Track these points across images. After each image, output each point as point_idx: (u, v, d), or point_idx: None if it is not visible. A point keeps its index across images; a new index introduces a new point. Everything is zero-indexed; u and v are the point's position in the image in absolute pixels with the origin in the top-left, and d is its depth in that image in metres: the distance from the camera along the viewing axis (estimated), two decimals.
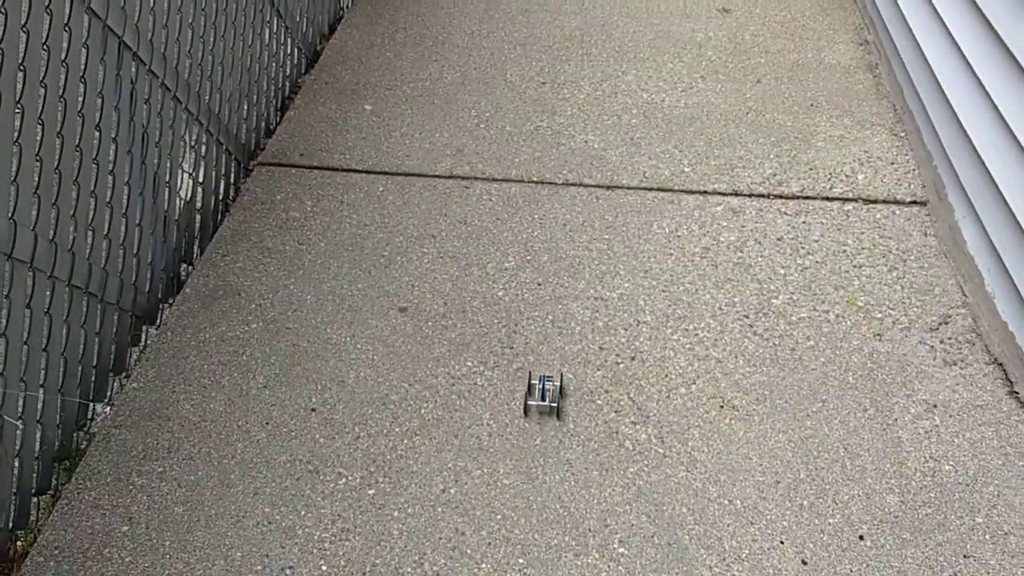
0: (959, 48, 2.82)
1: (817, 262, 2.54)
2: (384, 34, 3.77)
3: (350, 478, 1.97)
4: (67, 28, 1.94)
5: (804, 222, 2.70)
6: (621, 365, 2.20)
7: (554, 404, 2.05)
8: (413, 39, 3.74)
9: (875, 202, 2.78)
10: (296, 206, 2.76)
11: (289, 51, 3.43)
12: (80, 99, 2.01)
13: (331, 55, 3.65)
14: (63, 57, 1.94)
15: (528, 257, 2.57)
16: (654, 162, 2.98)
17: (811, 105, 3.30)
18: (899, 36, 3.50)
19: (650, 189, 2.86)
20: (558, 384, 2.10)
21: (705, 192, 2.84)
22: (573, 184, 2.88)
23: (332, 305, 2.39)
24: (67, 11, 1.93)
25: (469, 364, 2.20)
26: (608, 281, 2.48)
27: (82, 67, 2.01)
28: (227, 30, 2.78)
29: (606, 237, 2.65)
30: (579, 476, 1.96)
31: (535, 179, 2.91)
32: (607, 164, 2.97)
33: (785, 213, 2.74)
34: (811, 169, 2.94)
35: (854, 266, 2.52)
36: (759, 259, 2.55)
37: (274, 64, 3.25)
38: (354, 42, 3.73)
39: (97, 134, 2.09)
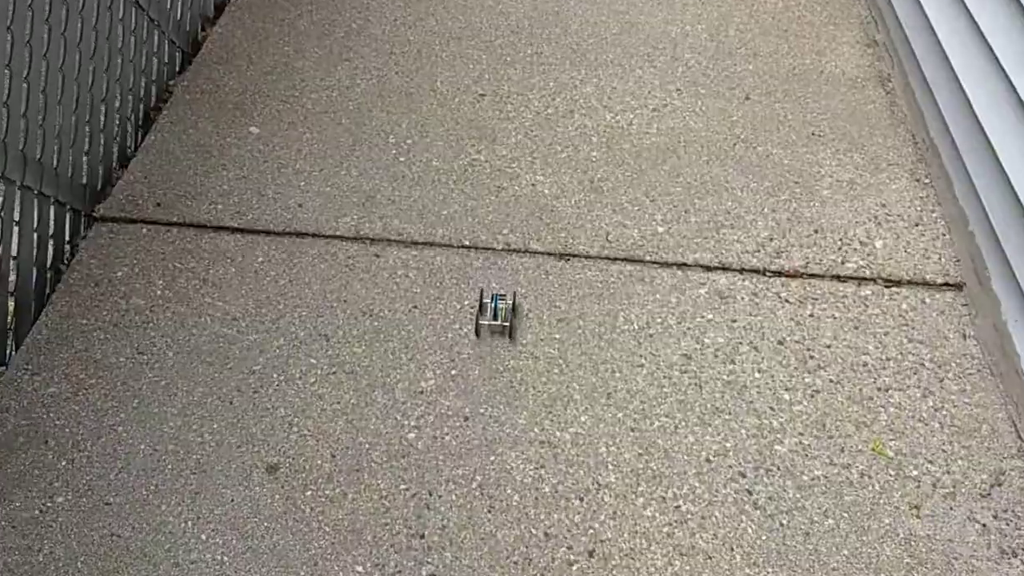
0: (999, 61, 2.19)
1: (831, 381, 1.94)
2: (284, 20, 3.01)
3: None
4: None
5: (811, 315, 2.10)
6: (575, 568, 1.60)
7: (506, 324, 2.01)
8: (320, 28, 2.99)
9: (898, 284, 2.19)
10: (142, 288, 2.07)
11: (155, 45, 2.67)
12: None
13: (214, 48, 2.89)
14: None
15: (453, 371, 1.93)
16: (619, 217, 2.34)
17: (812, 134, 2.66)
18: (917, 37, 2.85)
19: (615, 259, 2.22)
20: (510, 303, 2.05)
21: (685, 265, 2.21)
22: (516, 250, 2.22)
23: (172, 461, 1.73)
24: None
25: (360, 570, 1.58)
26: (559, 412, 1.85)
27: None
28: (56, 14, 2.03)
29: (557, 337, 2.01)
30: None
31: (467, 242, 2.25)
32: (560, 219, 2.32)
33: (787, 300, 2.14)
34: (816, 231, 2.33)
35: (879, 389, 1.93)
36: (756, 376, 1.95)
37: (133, 66, 2.50)
38: (245, 31, 2.96)
39: None
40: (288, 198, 2.33)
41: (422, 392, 1.87)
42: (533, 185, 2.43)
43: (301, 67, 2.81)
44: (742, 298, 2.13)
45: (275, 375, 1.88)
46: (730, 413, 1.87)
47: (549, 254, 2.23)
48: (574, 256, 2.22)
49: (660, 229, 2.32)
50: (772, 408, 1.88)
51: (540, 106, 2.70)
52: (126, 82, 2.48)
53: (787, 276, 2.20)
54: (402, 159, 2.49)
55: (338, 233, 2.24)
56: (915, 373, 1.96)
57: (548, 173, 2.47)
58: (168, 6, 2.73)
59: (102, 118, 2.35)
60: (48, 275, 2.09)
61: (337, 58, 2.86)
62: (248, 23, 2.99)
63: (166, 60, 2.76)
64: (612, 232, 2.29)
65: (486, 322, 2.00)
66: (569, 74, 2.85)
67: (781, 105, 2.76)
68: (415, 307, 2.06)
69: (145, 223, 2.23)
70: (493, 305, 2.01)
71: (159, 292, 2.05)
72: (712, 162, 2.54)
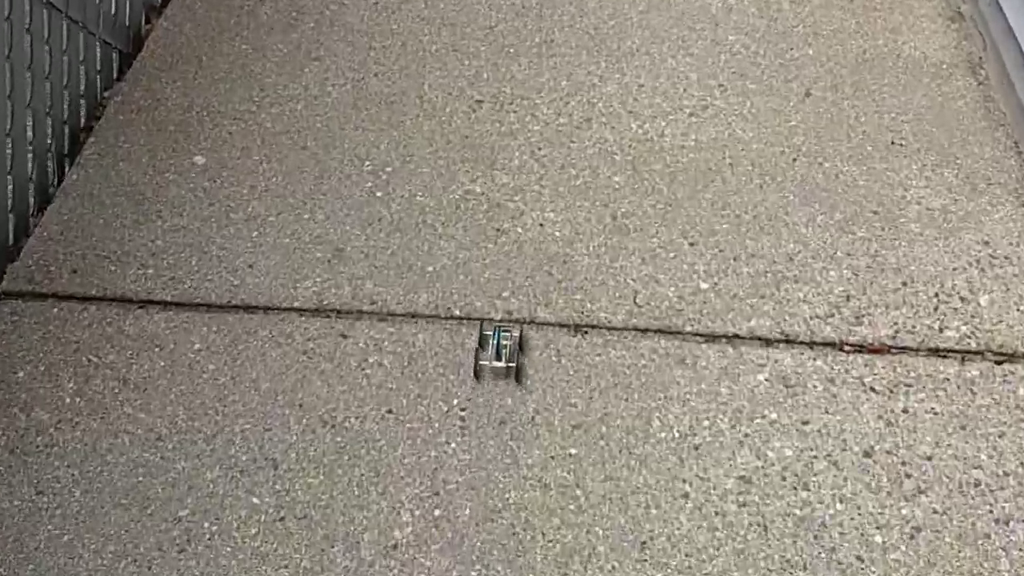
0: None
1: (935, 512, 1.47)
2: (242, 8, 2.50)
3: None
4: None
5: (905, 410, 1.62)
6: None
7: (512, 364, 1.68)
8: (285, 19, 2.48)
9: (1012, 358, 1.69)
10: (47, 396, 1.63)
11: (81, 52, 2.19)
12: None
13: (158, 47, 2.40)
14: None
15: (437, 511, 1.48)
16: (650, 268, 1.85)
17: (892, 142, 2.14)
18: (1015, 8, 2.31)
19: (646, 331, 1.75)
20: (517, 336, 1.73)
21: (737, 338, 1.73)
22: (519, 320, 1.75)
23: None
24: None
25: None
26: (577, 573, 1.41)
27: None
28: None
29: (572, 453, 1.56)
30: None
31: (457, 312, 1.78)
32: (575, 274, 1.84)
33: (872, 388, 1.66)
34: (905, 283, 1.83)
35: (996, 521, 1.47)
36: (837, 508, 1.48)
37: (50, 85, 2.03)
38: (196, 23, 2.46)
39: None
40: (236, 256, 1.87)
41: (395, 547, 1.42)
42: (541, 225, 1.95)
43: (261, 71, 2.32)
44: (814, 386, 1.66)
45: (206, 524, 1.45)
46: (806, 568, 1.41)
47: (561, 325, 1.76)
48: (593, 328, 1.75)
49: (703, 285, 1.83)
50: (860, 559, 1.42)
51: (550, 114, 2.20)
52: (42, 107, 2.01)
53: (871, 351, 1.72)
54: (379, 194, 2.01)
55: (296, 305, 1.78)
56: None
57: (559, 208, 1.98)
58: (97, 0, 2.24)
59: (8, 159, 1.89)
60: None
61: (305, 57, 2.36)
62: (200, 13, 2.49)
63: (98, 67, 2.28)
64: (641, 291, 1.81)
65: (487, 362, 1.67)
66: (586, 68, 2.33)
67: (851, 103, 2.23)
68: (390, 411, 1.61)
69: (58, 298, 1.78)
70: (496, 340, 1.68)
71: (68, 400, 1.61)
72: (767, 186, 2.03)
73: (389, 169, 2.06)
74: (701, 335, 1.74)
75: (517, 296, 1.80)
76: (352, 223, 1.94)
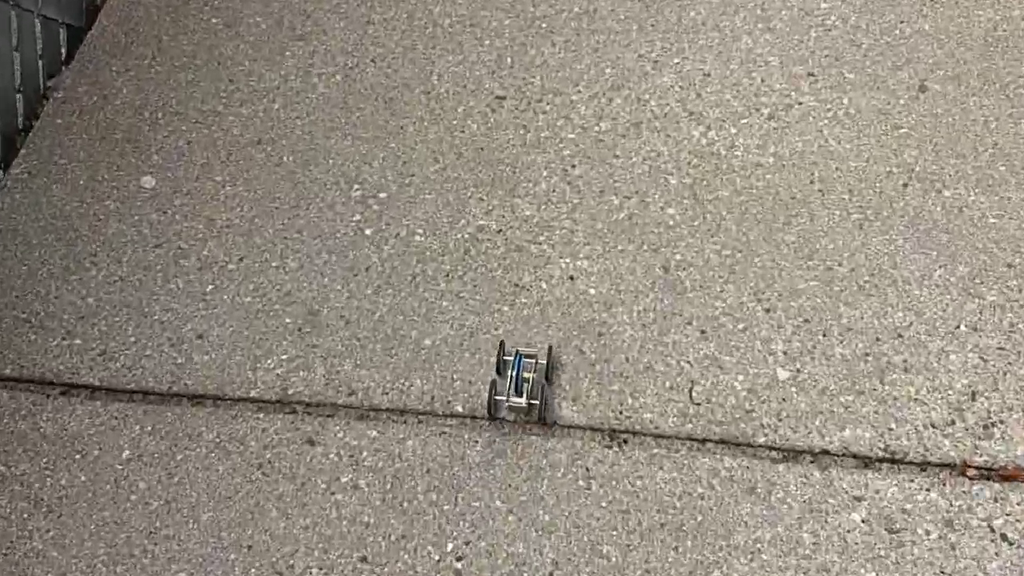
0: None
1: None
2: None
3: None
4: None
5: None
6: None
7: (535, 402, 1.36)
8: None
9: None
10: None
11: (17, 37, 1.78)
12: None
13: (111, 22, 1.95)
14: None
15: None
16: (712, 346, 1.43)
17: None
18: None
19: (703, 443, 1.34)
20: (543, 364, 1.42)
21: (826, 454, 1.31)
22: (539, 434, 1.36)
23: None
24: None
25: None
26: None
27: None
28: None
29: None
30: None
31: (459, 408, 1.39)
32: (613, 350, 1.43)
33: (1005, 537, 1.24)
34: None
35: None
36: None
37: None
38: None
39: None
40: (184, 320, 1.50)
41: None
42: (571, 278, 1.52)
43: (232, 54, 1.88)
44: (926, 532, 1.24)
45: None
46: None
47: (593, 429, 1.36)
48: (634, 435, 1.35)
49: (782, 374, 1.40)
50: None
51: (589, 116, 1.74)
52: None
53: (1003, 478, 1.29)
54: (368, 231, 1.60)
55: (253, 394, 1.40)
56: None
57: (596, 253, 1.55)
58: None
59: None
60: None
61: (287, 35, 1.91)
62: None
63: (39, 50, 1.87)
64: (700, 381, 1.39)
65: (504, 398, 1.36)
66: (635, 50, 1.84)
67: (978, 100, 1.72)
68: (364, 559, 1.24)
69: None
70: (516, 371, 1.35)
71: None
72: (868, 224, 1.56)
73: (383, 195, 1.64)
74: (778, 450, 1.32)
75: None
76: (332, 273, 1.54)
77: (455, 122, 1.75)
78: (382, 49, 1.88)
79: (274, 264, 1.55)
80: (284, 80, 1.83)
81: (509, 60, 1.84)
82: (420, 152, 1.70)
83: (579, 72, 1.81)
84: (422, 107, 1.78)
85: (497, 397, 1.36)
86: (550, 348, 1.42)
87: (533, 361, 1.38)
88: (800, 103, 1.74)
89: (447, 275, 1.53)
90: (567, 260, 1.54)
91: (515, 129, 1.73)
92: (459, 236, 1.58)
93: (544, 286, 1.51)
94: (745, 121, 1.72)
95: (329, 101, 1.79)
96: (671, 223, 1.58)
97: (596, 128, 1.73)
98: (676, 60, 1.82)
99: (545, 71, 1.82)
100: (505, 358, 1.41)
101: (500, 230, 1.58)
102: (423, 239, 1.58)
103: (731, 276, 1.51)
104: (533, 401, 1.35)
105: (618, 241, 1.56)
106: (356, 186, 1.66)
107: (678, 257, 1.53)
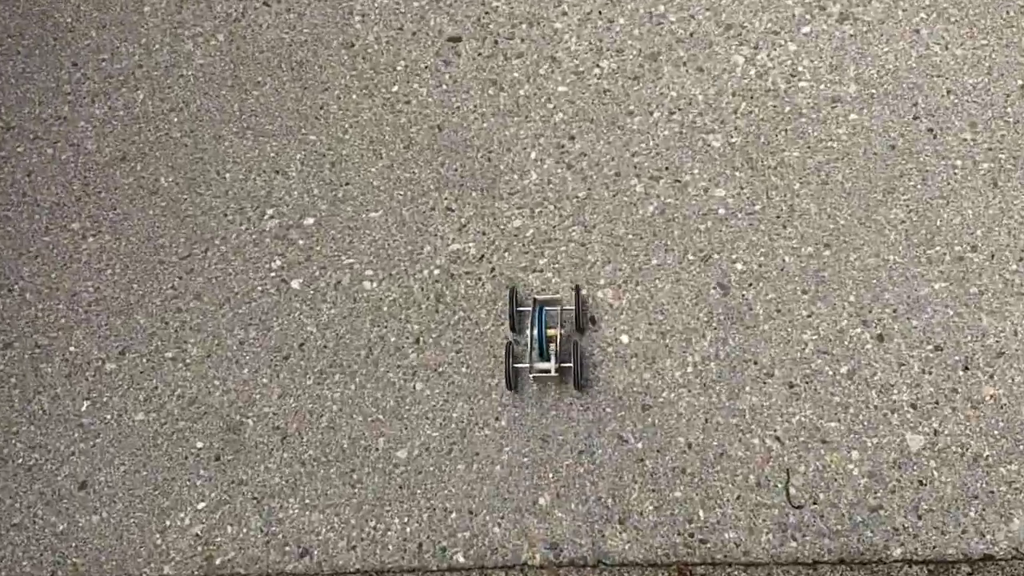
0: None
1: None
2: None
3: None
4: None
5: None
6: None
7: (566, 364, 1.04)
8: None
9: None
10: None
11: None
12: None
13: None
14: None
15: None
16: (810, 410, 0.99)
17: None
18: None
19: (815, 568, 0.94)
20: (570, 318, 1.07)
21: (989, 560, 0.91)
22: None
23: None
24: None
25: None
26: None
27: None
28: None
29: None
30: None
31: (462, 559, 0.98)
32: (670, 440, 0.98)
33: None
34: None
35: None
36: None
37: None
38: None
39: None
40: (58, 462, 1.05)
41: None
42: (591, 322, 1.06)
43: (71, 24, 1.34)
44: None
45: None
46: None
47: (656, 566, 0.95)
48: (713, 567, 0.94)
49: (913, 441, 0.96)
50: None
51: (583, 52, 1.22)
52: None
53: None
54: (296, 282, 1.13)
55: (168, 572, 1.00)
56: None
57: (622, 276, 1.07)
58: None
59: None
60: None
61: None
62: None
63: None
64: (797, 464, 0.96)
65: (527, 364, 1.04)
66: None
67: None
68: None
69: None
70: (538, 327, 1.02)
71: None
72: (1006, 175, 1.09)
73: (309, 221, 1.16)
74: (922, 564, 0.92)
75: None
76: (253, 360, 1.08)
77: (395, 88, 1.23)
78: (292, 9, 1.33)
79: (169, 355, 1.10)
80: (147, 53, 1.30)
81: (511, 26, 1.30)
82: (353, 143, 1.20)
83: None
84: (345, 69, 1.26)
85: (516, 365, 1.02)
86: (577, 289, 1.04)
87: (557, 310, 1.04)
88: (936, 53, 1.21)
89: (417, 340, 1.08)
90: (583, 292, 1.08)
91: (481, 88, 1.22)
92: (425, 274, 1.11)
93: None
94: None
95: (212, 78, 1.27)
96: (722, 212, 1.11)
97: (595, 71, 1.21)
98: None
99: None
100: (520, 309, 1.06)
101: (481, 255, 1.12)
102: (375, 285, 1.11)
103: (819, 288, 1.05)
104: (565, 364, 1.01)
105: (650, 252, 1.09)
106: (269, 211, 1.17)
107: (739, 266, 1.07)
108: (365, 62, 1.25)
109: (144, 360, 1.09)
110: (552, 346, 1.02)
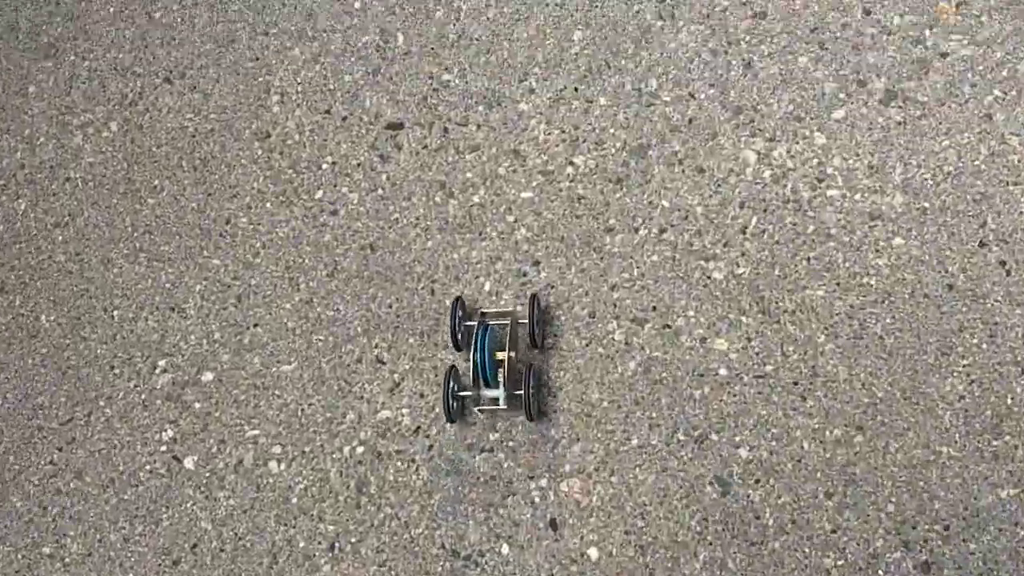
0: None
1: None
2: None
3: None
4: None
5: None
6: None
7: (516, 392, 0.88)
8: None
9: None
10: None
11: None
12: None
13: None
14: None
15: None
16: None
17: None
18: None
19: None
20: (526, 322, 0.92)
21: None
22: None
23: None
24: None
25: None
26: None
27: None
28: None
29: None
30: None
31: None
32: None
33: None
34: None
35: None
36: None
37: None
38: None
39: None
40: None
41: None
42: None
43: None
44: None
45: None
46: None
47: None
48: None
49: None
50: None
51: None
52: None
53: None
54: (189, 461, 0.92)
55: None
56: None
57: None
58: None
59: None
60: None
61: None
62: None
63: None
64: None
65: (472, 392, 0.88)
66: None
67: None
68: None
69: None
70: (479, 349, 0.86)
71: None
72: None
73: (208, 377, 0.94)
74: None
75: None
76: (137, 564, 0.89)
77: (319, 194, 0.99)
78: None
79: (47, 551, 0.90)
80: (31, 148, 1.08)
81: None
82: (264, 270, 0.97)
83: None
84: (259, 168, 1.02)
85: (461, 392, 0.87)
86: (533, 299, 0.89)
87: (507, 324, 0.88)
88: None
89: (332, 546, 0.86)
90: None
91: (425, 192, 0.97)
92: (346, 453, 0.89)
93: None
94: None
95: (103, 182, 1.04)
96: (723, 373, 0.85)
97: (568, 170, 0.96)
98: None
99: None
100: (467, 323, 0.90)
101: (417, 427, 0.89)
102: (284, 468, 0.89)
103: (848, 491, 0.80)
104: (516, 392, 0.86)
105: (630, 427, 0.85)
106: (161, 363, 0.95)
107: (743, 453, 0.82)
108: (283, 158, 1.01)
109: (20, 556, 0.90)
110: (501, 371, 0.85)
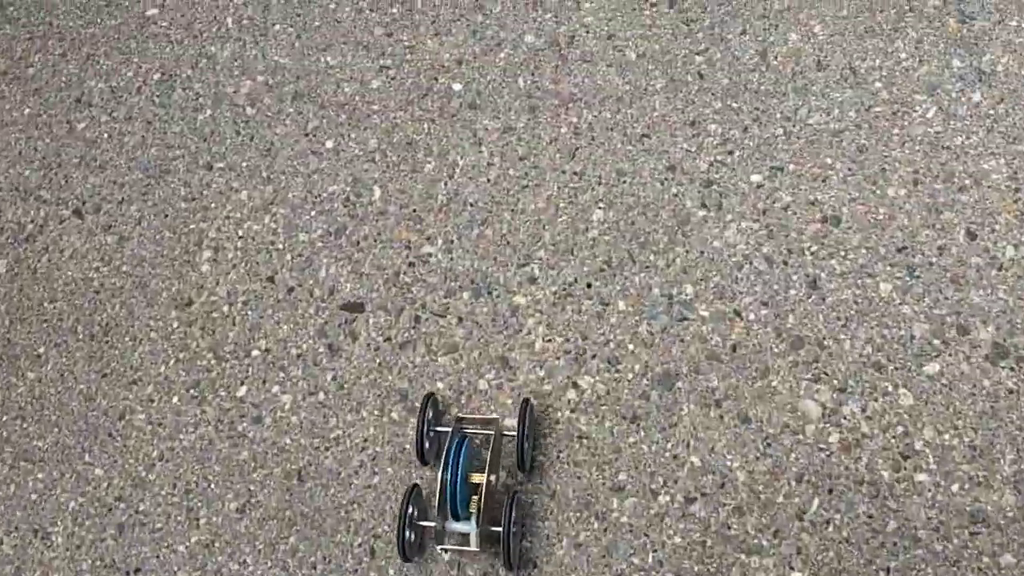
0: None
1: None
2: None
3: None
4: None
5: None
6: None
7: (495, 528, 0.67)
8: None
9: None
10: None
11: None
12: None
13: None
14: None
15: None
16: None
17: None
18: None
19: None
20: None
21: None
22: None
23: None
24: None
25: None
26: None
27: None
28: None
29: None
30: None
31: None
32: None
33: None
34: None
35: None
36: None
37: None
38: None
39: None
40: None
41: None
42: None
43: None
44: None
45: None
46: None
47: None
48: None
49: None
50: None
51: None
52: None
53: None
54: None
55: None
56: None
57: None
58: None
59: None
60: None
61: None
62: None
63: None
64: None
65: (435, 524, 0.66)
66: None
67: None
68: None
69: None
70: (450, 468, 0.65)
71: None
72: None
73: None
74: None
75: None
76: None
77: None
78: None
79: None
80: None
81: None
82: (163, 469, 0.74)
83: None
84: (169, 348, 0.80)
85: (422, 523, 0.67)
86: (526, 404, 0.69)
87: (490, 437, 0.69)
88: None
89: None
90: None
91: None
92: None
93: None
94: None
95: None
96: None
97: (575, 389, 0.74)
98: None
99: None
100: (437, 429, 0.71)
101: None
102: None
103: None
104: (495, 528, 0.66)
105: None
106: None
107: None
108: (203, 337, 0.79)
109: None
110: (476, 499, 0.66)
